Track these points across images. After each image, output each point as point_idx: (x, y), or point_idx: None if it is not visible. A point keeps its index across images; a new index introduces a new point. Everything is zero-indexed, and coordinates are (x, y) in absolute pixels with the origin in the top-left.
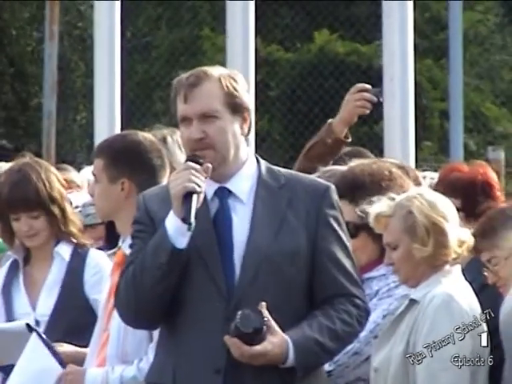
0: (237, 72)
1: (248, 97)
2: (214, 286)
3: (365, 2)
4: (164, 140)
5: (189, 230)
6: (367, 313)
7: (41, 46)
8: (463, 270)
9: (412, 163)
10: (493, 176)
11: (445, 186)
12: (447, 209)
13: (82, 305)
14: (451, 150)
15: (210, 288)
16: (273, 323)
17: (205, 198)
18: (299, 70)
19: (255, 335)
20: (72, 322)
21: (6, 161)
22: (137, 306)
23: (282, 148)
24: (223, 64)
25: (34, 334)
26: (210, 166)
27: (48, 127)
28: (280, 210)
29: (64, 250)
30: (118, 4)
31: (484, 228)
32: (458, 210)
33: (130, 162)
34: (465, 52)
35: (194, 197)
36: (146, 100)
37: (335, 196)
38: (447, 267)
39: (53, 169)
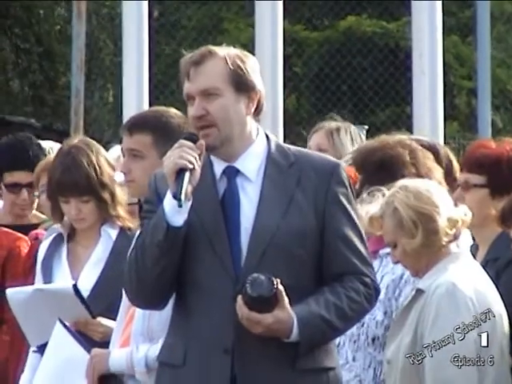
0: (249, 54)
1: (258, 78)
2: (221, 266)
3: None
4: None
5: (179, 206)
6: (376, 291)
7: (69, 25)
8: (491, 245)
9: (441, 141)
10: None
11: (471, 163)
12: (433, 193)
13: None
14: (479, 127)
15: (218, 268)
16: (284, 298)
17: (213, 177)
18: (327, 49)
19: (261, 302)
20: (113, 298)
21: None
22: (138, 284)
23: (310, 125)
24: (248, 43)
25: (58, 322)
26: (203, 143)
27: (76, 106)
28: (289, 189)
29: (111, 230)
30: None
31: None
32: (483, 186)
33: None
34: (492, 29)
35: (186, 174)
36: (174, 78)
37: (344, 173)
38: (454, 250)
39: (103, 151)
